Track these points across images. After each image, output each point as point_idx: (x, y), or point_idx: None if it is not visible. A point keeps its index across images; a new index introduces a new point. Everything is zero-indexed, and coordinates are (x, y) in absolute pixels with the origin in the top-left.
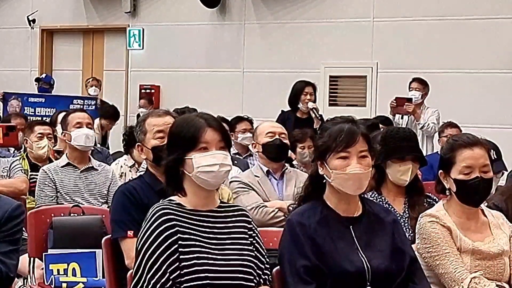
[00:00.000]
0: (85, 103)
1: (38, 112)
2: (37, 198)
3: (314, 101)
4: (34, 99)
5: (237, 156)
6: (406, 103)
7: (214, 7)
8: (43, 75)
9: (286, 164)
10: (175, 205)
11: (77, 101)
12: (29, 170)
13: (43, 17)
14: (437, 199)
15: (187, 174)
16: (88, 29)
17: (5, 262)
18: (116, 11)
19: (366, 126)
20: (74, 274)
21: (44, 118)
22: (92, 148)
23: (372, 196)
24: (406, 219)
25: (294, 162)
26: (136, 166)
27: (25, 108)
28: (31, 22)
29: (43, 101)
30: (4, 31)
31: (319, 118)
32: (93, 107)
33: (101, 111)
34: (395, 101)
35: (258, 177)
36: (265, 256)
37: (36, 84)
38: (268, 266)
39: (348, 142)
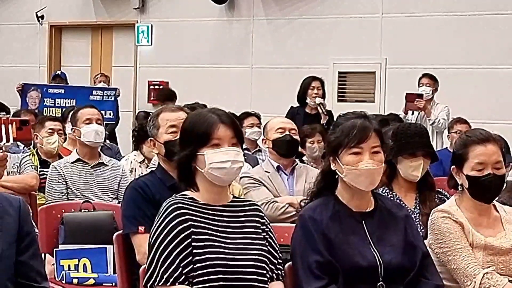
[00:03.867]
0: (104, 94)
1: (58, 104)
2: (48, 195)
3: (323, 96)
4: (54, 90)
5: (246, 151)
6: (416, 99)
7: (223, 3)
8: (58, 72)
9: (296, 160)
10: (188, 200)
11: (96, 92)
12: (39, 166)
13: (52, 13)
14: (448, 195)
15: (199, 170)
16: (96, 25)
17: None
18: (125, 7)
19: (377, 122)
20: (85, 270)
21: (63, 109)
22: (102, 144)
23: (383, 191)
24: (417, 214)
25: (304, 158)
26: (146, 162)
27: (45, 99)
28: (40, 18)
29: (63, 92)
30: (13, 27)
31: (326, 113)
32: (113, 98)
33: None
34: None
35: (269, 172)
36: (278, 251)
37: (52, 82)
38: (281, 261)
39: (360, 137)
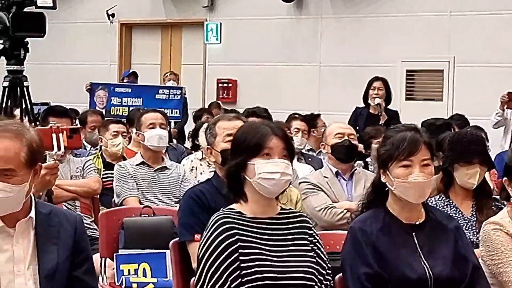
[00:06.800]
0: (170, 93)
1: (125, 102)
2: (121, 191)
3: (385, 96)
4: (121, 89)
5: (310, 153)
6: None
7: (291, 1)
8: (131, 70)
9: (359, 162)
10: (235, 214)
11: (162, 91)
12: (102, 170)
13: (122, 12)
14: (505, 203)
15: (248, 179)
16: (166, 23)
17: None
18: (194, 6)
19: (437, 126)
20: (144, 275)
21: (130, 108)
22: (167, 145)
23: (440, 199)
24: (474, 222)
25: (368, 159)
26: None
27: (112, 98)
28: (110, 17)
29: (129, 91)
30: (84, 25)
31: (381, 113)
32: (179, 96)
33: None
34: (506, 96)
35: (327, 177)
36: (327, 262)
37: (126, 79)
38: (330, 271)
39: (410, 150)
